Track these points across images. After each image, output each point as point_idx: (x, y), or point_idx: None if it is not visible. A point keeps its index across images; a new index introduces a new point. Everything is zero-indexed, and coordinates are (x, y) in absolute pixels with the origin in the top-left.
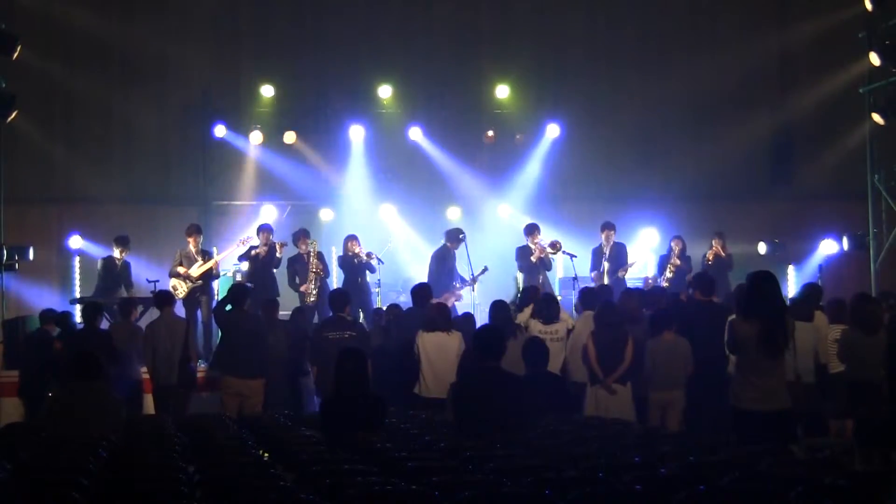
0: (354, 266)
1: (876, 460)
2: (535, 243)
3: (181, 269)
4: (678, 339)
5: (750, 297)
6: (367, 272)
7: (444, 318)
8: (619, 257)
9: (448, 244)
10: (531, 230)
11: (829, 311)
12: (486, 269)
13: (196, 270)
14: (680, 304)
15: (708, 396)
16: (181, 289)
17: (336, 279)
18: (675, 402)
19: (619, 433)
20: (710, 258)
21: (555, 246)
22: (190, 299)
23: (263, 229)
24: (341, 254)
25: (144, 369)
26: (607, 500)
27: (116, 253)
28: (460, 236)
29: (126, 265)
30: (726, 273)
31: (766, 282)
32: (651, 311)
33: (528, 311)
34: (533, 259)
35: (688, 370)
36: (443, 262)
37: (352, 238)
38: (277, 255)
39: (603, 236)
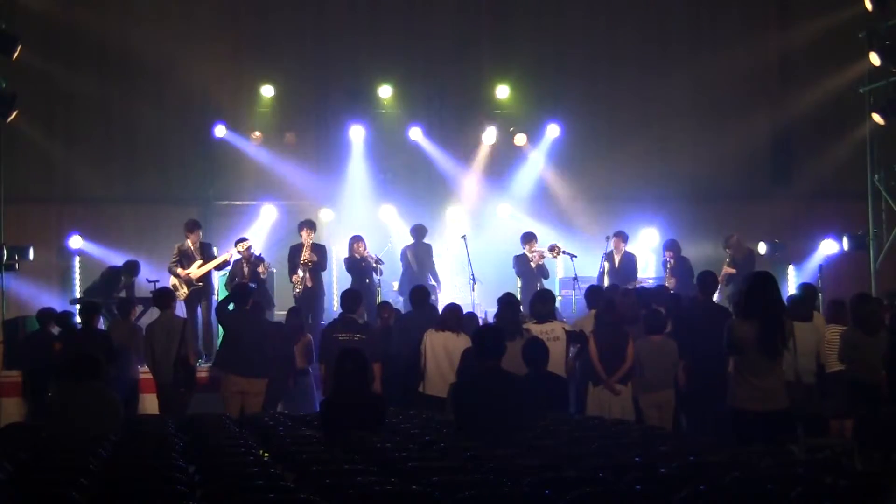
0: (361, 268)
1: (876, 460)
2: (533, 251)
3: (181, 271)
4: (665, 340)
5: (748, 297)
6: (375, 273)
7: (454, 319)
8: (627, 269)
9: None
10: (527, 238)
11: (827, 311)
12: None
13: (196, 272)
14: (680, 303)
15: (708, 396)
16: (182, 290)
17: (336, 281)
18: (667, 403)
19: (619, 433)
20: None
21: (553, 249)
22: (190, 298)
23: (241, 242)
24: (347, 255)
25: (144, 369)
26: (607, 500)
27: (124, 278)
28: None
29: (131, 283)
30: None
31: (764, 283)
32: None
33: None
34: (532, 265)
35: (675, 371)
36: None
37: (357, 239)
38: (262, 276)
39: (612, 244)
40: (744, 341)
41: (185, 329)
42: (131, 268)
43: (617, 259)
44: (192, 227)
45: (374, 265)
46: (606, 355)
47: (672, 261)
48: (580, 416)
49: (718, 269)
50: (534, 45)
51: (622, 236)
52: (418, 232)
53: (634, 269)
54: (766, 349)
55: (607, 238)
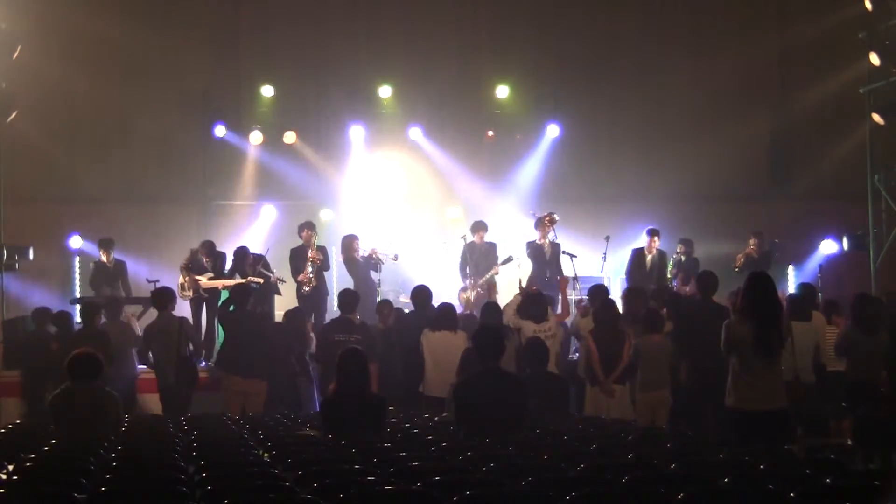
0: (359, 265)
1: (876, 460)
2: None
3: (187, 276)
4: (664, 339)
5: (745, 298)
6: (372, 271)
7: (450, 318)
8: (659, 270)
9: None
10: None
11: (824, 311)
12: (510, 259)
13: (206, 283)
14: (680, 303)
15: (708, 396)
16: (188, 292)
17: (337, 281)
18: (663, 403)
19: (619, 433)
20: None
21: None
22: (195, 302)
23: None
24: (343, 254)
25: (143, 368)
26: (607, 500)
27: (103, 257)
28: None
29: (119, 265)
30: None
31: (761, 283)
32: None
33: (509, 311)
34: (538, 242)
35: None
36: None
37: (353, 237)
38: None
39: (648, 242)
40: (741, 341)
41: (182, 327)
42: (104, 244)
43: (648, 259)
44: (208, 247)
45: (374, 261)
46: (604, 355)
47: (684, 257)
48: (580, 416)
49: (719, 268)
50: (534, 45)
51: (653, 232)
52: (472, 229)
53: (665, 266)
54: (762, 349)
55: (607, 238)
